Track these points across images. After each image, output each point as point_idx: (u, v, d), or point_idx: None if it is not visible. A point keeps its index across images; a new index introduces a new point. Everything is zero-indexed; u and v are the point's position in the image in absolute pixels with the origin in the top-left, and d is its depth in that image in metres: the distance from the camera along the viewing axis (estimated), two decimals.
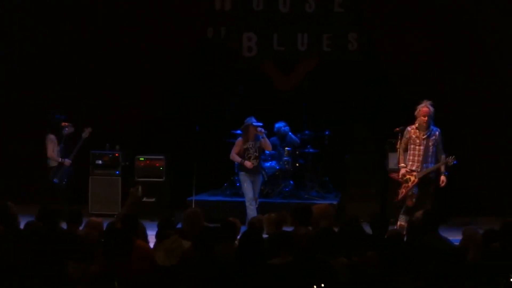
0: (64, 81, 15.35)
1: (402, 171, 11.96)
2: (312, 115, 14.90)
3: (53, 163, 13.36)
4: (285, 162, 14.45)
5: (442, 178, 11.88)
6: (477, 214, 13.68)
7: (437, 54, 14.71)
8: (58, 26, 15.45)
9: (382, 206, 13.97)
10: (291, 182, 14.53)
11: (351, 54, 15.18)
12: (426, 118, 11.82)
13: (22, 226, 8.30)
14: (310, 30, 15.28)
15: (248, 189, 12.91)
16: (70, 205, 11.52)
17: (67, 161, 13.35)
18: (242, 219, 9.18)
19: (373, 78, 15.04)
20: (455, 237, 8.63)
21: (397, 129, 12.35)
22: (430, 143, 11.87)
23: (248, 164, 12.87)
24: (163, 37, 15.31)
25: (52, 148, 13.33)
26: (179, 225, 8.91)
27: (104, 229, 8.34)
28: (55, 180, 13.27)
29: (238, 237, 8.05)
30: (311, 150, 14.79)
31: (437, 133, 11.92)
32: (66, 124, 13.30)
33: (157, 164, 14.73)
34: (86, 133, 13.41)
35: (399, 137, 12.27)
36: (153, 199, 14.47)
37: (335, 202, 13.88)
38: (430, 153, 11.91)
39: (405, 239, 8.39)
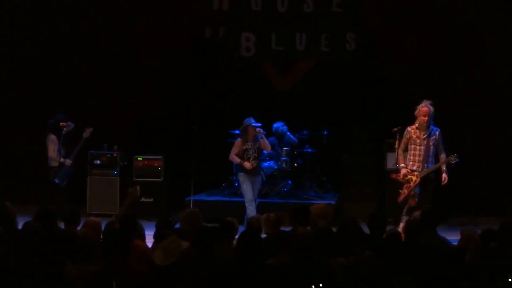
0: (63, 81, 15.35)
1: (403, 171, 11.96)
2: (310, 115, 14.90)
3: (54, 163, 13.35)
4: (283, 162, 14.45)
5: (444, 176, 11.88)
6: (477, 214, 13.67)
7: (436, 54, 14.71)
8: (57, 26, 15.44)
9: (380, 206, 13.97)
10: (289, 182, 14.53)
11: (349, 54, 15.18)
12: (426, 118, 11.83)
13: (20, 226, 8.29)
14: (308, 30, 15.28)
15: (248, 190, 12.89)
16: (70, 205, 11.53)
17: (68, 161, 13.34)
18: (240, 219, 9.18)
19: (371, 78, 15.04)
20: (455, 237, 8.62)
21: (395, 129, 12.35)
22: (430, 143, 11.88)
23: (247, 165, 12.84)
24: (161, 37, 15.32)
25: (53, 148, 13.32)
26: (177, 225, 8.90)
27: (103, 229, 8.33)
28: (56, 180, 13.26)
29: (236, 237, 8.05)
30: (309, 150, 14.79)
31: (437, 132, 11.93)
32: (64, 124, 13.29)
33: (155, 164, 14.73)
34: (87, 133, 13.40)
35: (397, 137, 12.27)
36: (151, 199, 14.47)
37: (333, 202, 13.89)
38: (430, 153, 11.93)
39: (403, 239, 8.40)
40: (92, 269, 6.84)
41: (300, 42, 15.33)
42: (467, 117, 14.40)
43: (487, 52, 14.59)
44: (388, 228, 8.65)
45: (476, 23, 14.60)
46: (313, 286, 6.66)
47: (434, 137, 11.91)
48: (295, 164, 14.77)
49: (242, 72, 15.42)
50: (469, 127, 14.30)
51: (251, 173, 12.91)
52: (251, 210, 12.63)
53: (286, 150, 14.47)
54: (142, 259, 7.52)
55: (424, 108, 11.86)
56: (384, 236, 8.19)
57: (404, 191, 11.94)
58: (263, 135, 12.93)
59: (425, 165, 11.88)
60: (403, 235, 8.66)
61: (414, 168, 11.94)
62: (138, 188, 9.61)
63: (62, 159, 13.30)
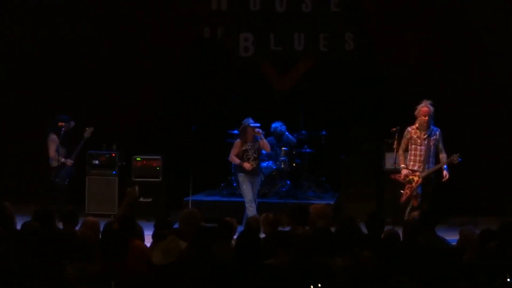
0: (63, 81, 15.36)
1: (404, 172, 11.95)
2: (308, 115, 14.90)
3: (55, 163, 13.33)
4: (282, 162, 14.45)
5: (445, 172, 11.87)
6: (477, 214, 13.67)
7: (435, 54, 14.72)
8: (57, 26, 15.44)
9: (378, 206, 13.98)
10: (288, 182, 14.53)
11: (347, 54, 15.19)
12: (426, 118, 11.82)
13: (19, 227, 8.28)
14: (306, 30, 15.28)
15: (248, 190, 12.86)
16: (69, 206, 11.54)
17: (69, 161, 13.33)
18: (239, 219, 9.17)
19: (370, 78, 15.04)
20: (455, 237, 8.61)
21: (394, 129, 12.34)
22: (431, 143, 11.88)
23: (247, 165, 12.81)
24: (160, 37, 15.33)
25: (54, 148, 13.30)
26: (176, 225, 8.90)
27: (101, 229, 8.33)
28: (57, 180, 13.24)
29: (235, 237, 8.05)
30: (307, 150, 14.80)
31: (437, 132, 11.93)
32: (63, 124, 13.27)
33: (154, 164, 14.72)
34: (88, 133, 13.38)
35: (396, 137, 12.27)
36: (150, 199, 14.46)
37: (332, 202, 13.89)
38: (431, 153, 11.93)
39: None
40: (91, 269, 6.85)
41: (299, 42, 15.34)
42: (467, 117, 14.40)
43: (487, 52, 14.60)
44: (387, 228, 8.66)
45: (476, 23, 14.60)
46: (311, 286, 6.66)
47: (434, 137, 11.91)
48: (294, 164, 14.77)
49: (241, 72, 15.42)
50: (469, 127, 14.30)
51: (251, 174, 12.88)
52: (251, 211, 12.58)
53: (285, 150, 14.47)
54: (141, 259, 7.53)
55: (424, 108, 11.86)
56: (382, 236, 8.19)
57: (406, 192, 11.93)
58: (262, 135, 12.92)
59: (426, 165, 11.88)
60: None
61: (415, 168, 11.93)
62: (136, 188, 9.62)
63: (63, 159, 13.29)
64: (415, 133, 11.94)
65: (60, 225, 8.78)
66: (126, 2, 15.42)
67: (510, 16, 14.48)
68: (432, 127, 11.93)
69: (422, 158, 11.90)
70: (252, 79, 15.45)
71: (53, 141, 13.31)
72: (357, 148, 14.78)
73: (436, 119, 11.98)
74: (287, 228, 8.76)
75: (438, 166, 11.92)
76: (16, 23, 15.56)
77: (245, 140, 12.92)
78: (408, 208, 11.77)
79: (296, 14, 15.26)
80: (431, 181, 11.98)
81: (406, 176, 11.93)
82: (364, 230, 8.57)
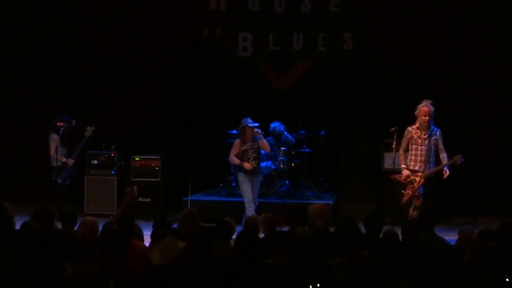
0: (63, 81, 15.36)
1: (406, 172, 11.94)
2: (307, 115, 14.90)
3: (55, 163, 13.30)
4: (281, 162, 14.44)
5: (445, 170, 11.87)
6: (477, 214, 13.68)
7: (435, 54, 14.71)
8: (57, 26, 15.44)
9: (377, 206, 13.97)
10: (287, 182, 14.52)
11: (346, 54, 15.18)
12: (427, 118, 11.82)
13: (18, 227, 8.28)
14: (305, 30, 15.28)
15: (247, 190, 12.83)
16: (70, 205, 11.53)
17: (70, 161, 13.31)
18: (238, 219, 9.17)
19: (369, 78, 15.04)
20: (455, 237, 8.61)
21: (393, 129, 12.35)
22: (431, 143, 11.88)
23: (247, 165, 12.79)
24: (159, 37, 15.32)
25: (54, 148, 13.27)
26: (174, 225, 8.90)
27: (100, 229, 8.33)
28: (59, 180, 13.22)
29: (234, 237, 8.05)
30: (306, 150, 14.79)
31: (437, 133, 11.94)
32: (62, 124, 13.26)
33: (152, 164, 14.72)
34: (89, 132, 13.35)
35: (395, 137, 12.27)
36: (149, 199, 14.46)
37: (330, 202, 13.88)
38: (432, 153, 11.93)
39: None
40: (89, 269, 6.84)
41: (298, 42, 15.33)
42: (467, 117, 14.40)
43: (487, 52, 14.59)
44: (386, 228, 8.65)
45: (476, 23, 14.59)
46: (310, 286, 6.66)
47: (435, 137, 11.91)
48: (293, 164, 14.76)
49: (240, 72, 15.42)
50: (469, 127, 14.30)
51: (251, 174, 12.86)
52: (250, 212, 12.54)
53: (284, 150, 14.47)
54: (140, 259, 7.52)
55: (424, 108, 11.85)
56: (381, 236, 8.19)
57: (408, 192, 11.93)
58: (261, 135, 12.90)
59: (427, 165, 11.88)
60: None
61: (416, 168, 11.93)
62: (135, 188, 9.61)
63: (64, 159, 13.27)
64: (416, 133, 11.94)
65: (59, 225, 8.77)
66: (126, 2, 15.41)
67: (510, 16, 14.47)
68: (432, 127, 11.93)
69: (423, 158, 11.90)
70: (251, 79, 15.45)
71: (54, 141, 13.29)
72: (356, 148, 14.77)
73: (436, 119, 11.98)
74: (285, 228, 8.76)
75: (440, 167, 11.90)
76: (16, 23, 15.55)
77: (244, 140, 12.90)
78: (411, 209, 11.76)
79: (295, 14, 15.25)
80: (432, 181, 11.99)
81: (408, 176, 11.93)
82: (363, 230, 8.57)
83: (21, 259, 7.06)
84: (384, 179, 13.96)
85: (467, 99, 14.50)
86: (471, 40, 14.63)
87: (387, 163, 13.80)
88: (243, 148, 12.88)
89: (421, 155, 11.92)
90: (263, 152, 13.37)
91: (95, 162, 14.70)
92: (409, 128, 12.01)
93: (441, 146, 11.95)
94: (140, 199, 14.12)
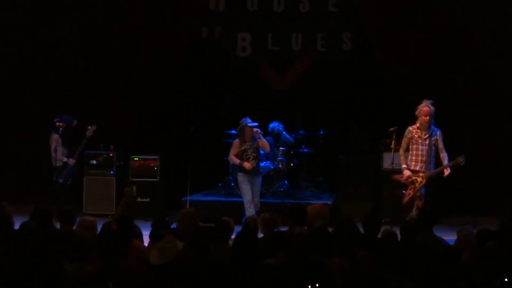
0: (62, 81, 15.37)
1: (407, 172, 11.94)
2: (306, 115, 14.90)
3: (57, 163, 13.29)
4: (280, 162, 14.44)
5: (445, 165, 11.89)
6: (477, 214, 13.69)
7: (434, 54, 14.70)
8: (57, 26, 15.44)
9: (376, 206, 13.97)
10: (286, 182, 14.52)
11: (345, 54, 15.18)
12: (427, 118, 11.83)
13: (18, 227, 8.27)
14: (304, 30, 15.28)
15: (247, 190, 12.83)
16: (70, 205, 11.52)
17: (72, 161, 13.30)
18: (236, 219, 9.15)
19: (368, 78, 15.04)
20: (454, 238, 8.61)
21: (392, 129, 12.36)
22: (432, 143, 11.89)
23: (247, 165, 12.79)
24: (158, 37, 15.32)
25: (57, 148, 13.24)
26: (173, 225, 8.90)
27: (100, 229, 8.32)
28: (60, 180, 13.21)
29: (232, 237, 8.05)
30: (305, 150, 14.79)
31: (438, 133, 11.95)
32: (61, 124, 13.25)
33: (151, 164, 14.71)
34: (90, 131, 13.34)
35: (394, 137, 12.27)
36: (148, 199, 14.45)
37: (329, 202, 13.88)
38: (432, 153, 11.94)
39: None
40: (89, 269, 6.84)
41: (296, 42, 15.33)
42: (467, 117, 14.39)
43: (487, 52, 14.58)
44: (384, 228, 8.65)
45: (476, 23, 14.58)
46: (309, 286, 6.66)
47: (435, 137, 11.92)
48: (292, 164, 14.76)
49: (239, 72, 15.41)
50: (469, 127, 14.30)
51: (251, 173, 12.85)
52: (250, 212, 12.52)
53: (283, 150, 14.47)
54: (140, 259, 7.52)
55: (425, 108, 11.86)
56: (380, 236, 8.19)
57: (409, 192, 11.94)
58: (260, 135, 12.89)
59: (429, 165, 11.89)
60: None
61: (417, 168, 11.94)
62: (134, 188, 9.59)
63: (65, 159, 13.26)
64: (416, 132, 11.94)
65: (58, 225, 8.77)
66: (126, 2, 15.41)
67: (510, 16, 14.46)
68: (433, 127, 11.94)
69: (423, 158, 11.91)
70: (250, 79, 15.45)
71: (54, 141, 13.27)
72: (355, 148, 14.78)
73: (436, 119, 12.00)
74: (283, 228, 8.75)
75: (442, 168, 11.90)
76: (16, 23, 15.55)
77: (244, 139, 12.89)
78: (414, 209, 11.74)
79: (293, 14, 15.25)
80: (433, 181, 11.99)
81: (409, 177, 11.92)
82: (362, 230, 8.57)
83: (20, 259, 7.06)
84: (383, 179, 13.97)
85: (467, 99, 14.50)
86: (471, 40, 14.63)
87: (386, 163, 13.79)
88: (243, 148, 12.88)
89: (422, 155, 11.93)
90: (262, 152, 13.36)
91: (94, 162, 14.70)
92: (410, 128, 12.01)
93: (441, 145, 11.96)
94: (139, 199, 14.11)
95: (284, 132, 14.61)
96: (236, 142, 13.01)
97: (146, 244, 8.34)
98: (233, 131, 13.90)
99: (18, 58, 15.60)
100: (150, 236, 8.27)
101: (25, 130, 15.32)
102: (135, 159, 14.74)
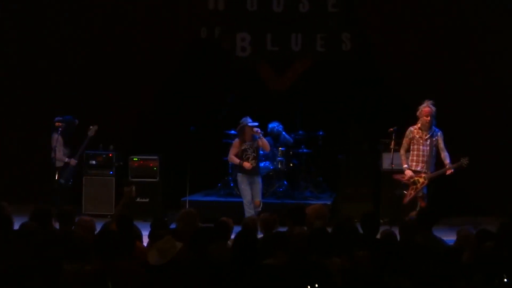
0: (62, 81, 15.36)
1: (409, 173, 11.94)
2: (306, 115, 14.89)
3: (59, 163, 13.28)
4: (279, 163, 14.44)
5: (449, 166, 11.88)
6: (477, 214, 13.69)
7: (434, 54, 14.70)
8: (57, 26, 15.44)
9: (376, 206, 13.98)
10: (285, 182, 14.52)
11: (344, 54, 15.18)
12: (429, 118, 11.85)
13: (18, 227, 8.27)
14: (304, 30, 15.28)
15: (246, 191, 12.81)
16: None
17: (73, 161, 13.29)
18: (236, 219, 9.14)
19: (367, 78, 15.04)
20: (454, 238, 8.61)
21: (391, 129, 12.36)
22: (433, 144, 11.90)
23: (247, 165, 12.78)
24: (157, 37, 15.32)
25: (58, 148, 13.24)
26: (173, 226, 8.89)
27: (99, 229, 8.32)
28: (62, 180, 13.20)
29: (232, 237, 8.04)
30: (305, 150, 14.79)
31: (438, 133, 11.96)
32: (60, 124, 13.24)
33: (151, 164, 14.71)
34: (92, 131, 13.34)
35: (393, 138, 12.28)
36: (147, 200, 14.45)
37: (329, 202, 13.88)
38: (433, 154, 11.95)
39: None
40: (88, 269, 6.84)
41: (296, 42, 15.33)
42: (467, 117, 14.40)
43: (487, 52, 14.58)
44: (384, 228, 8.65)
45: (476, 23, 14.58)
46: (308, 287, 6.65)
47: (436, 137, 11.93)
48: (291, 164, 14.76)
49: (238, 72, 15.41)
50: (469, 127, 14.30)
51: (250, 173, 12.83)
52: (249, 213, 12.51)
53: (282, 150, 14.46)
54: (140, 259, 7.52)
55: (426, 108, 11.87)
56: (379, 236, 8.19)
57: (411, 193, 11.94)
58: (260, 134, 12.87)
59: (430, 166, 11.89)
60: None
61: (418, 169, 11.94)
62: (133, 187, 9.59)
63: (67, 159, 13.25)
64: (418, 133, 11.96)
65: (57, 225, 8.77)
66: (126, 2, 15.41)
67: (510, 16, 14.46)
68: (434, 128, 11.94)
69: (424, 159, 11.92)
70: (249, 79, 15.44)
71: (54, 141, 13.25)
72: (354, 148, 14.78)
73: (436, 119, 11.99)
74: (282, 228, 8.74)
75: (445, 170, 11.90)
76: (16, 23, 15.54)
77: (244, 139, 12.88)
78: (417, 210, 11.73)
79: (293, 14, 15.25)
80: (433, 182, 12.01)
81: (411, 177, 11.92)
82: (361, 230, 8.57)
83: (19, 259, 7.06)
84: (382, 179, 13.97)
85: (467, 99, 14.50)
86: (471, 40, 14.63)
87: (386, 163, 13.80)
88: (242, 148, 12.87)
89: (423, 156, 11.94)
90: (262, 152, 13.35)
91: (93, 162, 14.70)
92: (411, 128, 12.02)
93: (442, 145, 11.98)
94: (138, 200, 14.10)
95: (283, 133, 14.60)
96: (236, 141, 13.00)
97: (145, 244, 8.34)
98: (233, 131, 13.90)
99: (18, 58, 15.60)
100: (149, 236, 8.27)
101: (25, 130, 15.31)
102: (134, 159, 14.74)
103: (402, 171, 12.19)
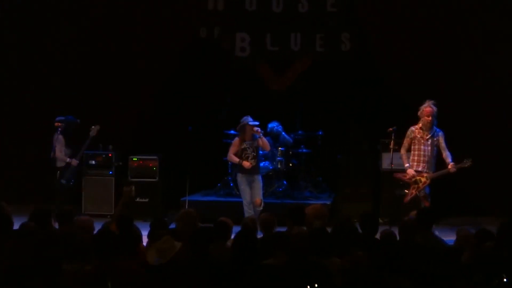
0: (62, 82, 15.37)
1: (411, 172, 11.94)
2: (305, 115, 14.89)
3: (60, 164, 13.27)
4: (279, 162, 14.44)
5: (451, 164, 11.88)
6: (477, 214, 13.69)
7: (434, 54, 14.70)
8: (57, 26, 15.45)
9: (375, 206, 13.98)
10: (285, 182, 14.52)
11: (344, 54, 15.18)
12: (430, 118, 11.85)
13: (17, 227, 8.27)
14: (303, 30, 15.28)
15: (246, 191, 12.76)
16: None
17: (75, 161, 13.27)
18: (235, 219, 9.14)
19: (367, 78, 15.04)
20: (454, 237, 8.61)
21: (391, 129, 12.36)
22: (434, 144, 11.91)
23: (246, 164, 12.73)
24: (156, 37, 15.32)
25: (60, 148, 13.23)
26: (172, 226, 8.89)
27: (99, 229, 8.32)
28: (63, 181, 13.19)
29: (231, 237, 8.05)
30: (304, 150, 14.79)
31: (440, 134, 11.96)
32: (59, 124, 13.23)
33: (150, 164, 14.71)
34: (93, 131, 13.31)
35: (393, 137, 12.28)
36: (146, 200, 14.45)
37: (328, 202, 13.87)
38: (434, 154, 11.96)
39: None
40: (88, 269, 6.84)
41: (295, 42, 15.33)
42: (467, 117, 14.40)
43: (487, 52, 14.58)
44: (383, 228, 8.65)
45: (476, 23, 14.58)
46: (308, 287, 6.65)
47: (437, 137, 11.93)
48: (290, 164, 14.76)
49: (238, 72, 15.41)
50: (469, 127, 14.30)
51: (250, 173, 12.78)
52: (249, 213, 12.49)
53: (281, 150, 14.46)
54: (140, 260, 7.52)
55: (427, 108, 11.88)
56: (379, 236, 8.19)
57: (412, 192, 11.94)
58: (261, 134, 12.84)
59: (431, 166, 11.89)
60: None
61: (420, 169, 11.94)
62: (133, 187, 9.59)
63: (68, 159, 13.25)
64: (419, 132, 11.96)
65: (56, 225, 8.77)
66: (125, 2, 15.41)
67: (510, 16, 14.46)
68: (435, 128, 11.95)
69: (426, 159, 11.93)
70: (248, 79, 15.44)
71: (54, 141, 13.24)
72: (354, 148, 14.78)
73: (437, 119, 12.00)
74: (282, 228, 8.75)
75: (447, 171, 11.90)
76: (16, 23, 15.55)
77: (244, 138, 12.84)
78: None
79: (292, 14, 15.25)
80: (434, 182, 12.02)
81: (413, 176, 11.93)
82: (360, 230, 8.57)
83: (19, 259, 7.06)
84: (382, 179, 13.97)
85: (467, 99, 14.50)
86: (471, 40, 14.62)
87: (385, 163, 13.80)
88: (242, 147, 12.82)
89: (424, 156, 11.94)
90: (261, 152, 13.32)
91: (93, 162, 14.69)
92: (413, 128, 12.03)
93: (443, 145, 11.97)
94: (137, 199, 14.10)
95: (283, 133, 14.60)
96: (236, 140, 12.96)
97: (145, 244, 8.34)
98: (232, 131, 13.89)
99: (18, 58, 15.60)
100: (149, 236, 8.27)
101: (25, 130, 15.32)
102: (134, 159, 14.74)
103: (402, 171, 12.18)
